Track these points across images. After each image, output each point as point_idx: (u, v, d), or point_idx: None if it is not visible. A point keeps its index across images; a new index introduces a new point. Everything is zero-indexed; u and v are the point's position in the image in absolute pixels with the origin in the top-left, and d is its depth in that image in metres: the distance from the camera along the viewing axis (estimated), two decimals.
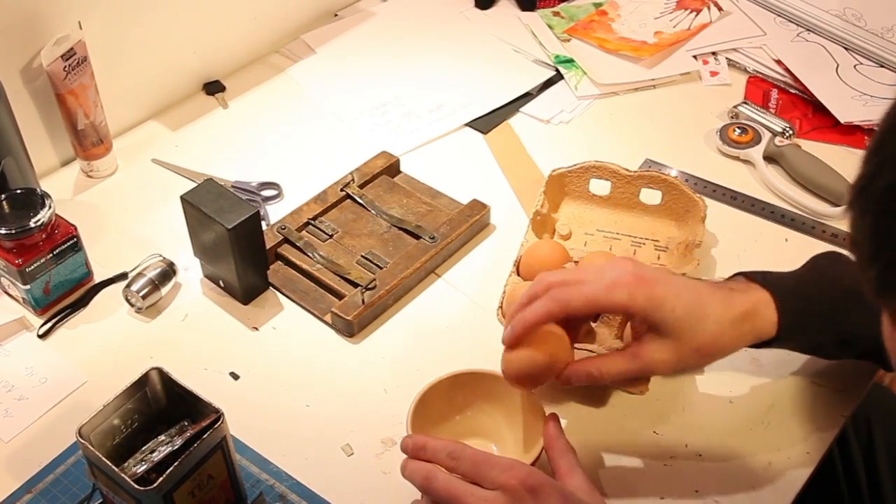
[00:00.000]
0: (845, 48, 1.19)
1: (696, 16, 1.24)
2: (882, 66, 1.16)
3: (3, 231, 0.81)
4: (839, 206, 0.97)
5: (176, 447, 0.65)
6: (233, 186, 1.00)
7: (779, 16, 1.25)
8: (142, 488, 0.61)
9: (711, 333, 0.65)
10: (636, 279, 0.65)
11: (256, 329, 0.86)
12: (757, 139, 1.03)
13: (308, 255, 0.90)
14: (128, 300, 0.87)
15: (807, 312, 0.66)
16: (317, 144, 1.07)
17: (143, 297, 0.85)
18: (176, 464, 0.62)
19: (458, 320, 0.86)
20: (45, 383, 0.80)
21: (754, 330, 0.66)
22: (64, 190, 0.99)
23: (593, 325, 0.81)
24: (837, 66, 1.16)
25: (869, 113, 1.08)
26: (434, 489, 0.62)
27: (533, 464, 0.67)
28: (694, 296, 0.64)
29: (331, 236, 0.92)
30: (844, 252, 0.71)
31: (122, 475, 0.61)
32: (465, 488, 0.61)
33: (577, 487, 0.63)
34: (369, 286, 0.85)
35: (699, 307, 0.64)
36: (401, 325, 0.86)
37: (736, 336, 0.66)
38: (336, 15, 1.28)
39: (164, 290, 0.87)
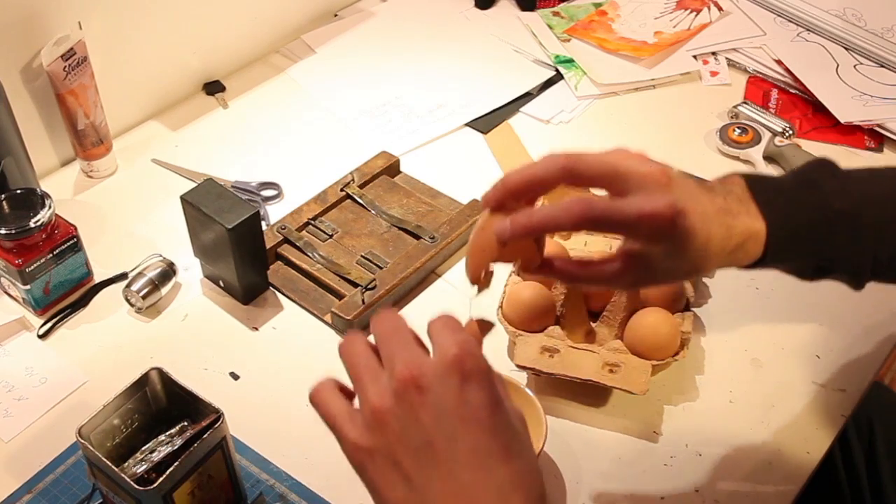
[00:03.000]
0: (845, 48, 1.19)
1: (696, 16, 1.24)
2: (882, 66, 1.16)
3: (3, 231, 0.81)
4: None
5: (176, 447, 0.65)
6: (233, 186, 1.00)
7: (779, 16, 1.25)
8: (142, 488, 0.61)
9: (703, 265, 0.62)
10: (671, 212, 0.58)
11: (256, 329, 0.86)
12: (757, 139, 1.03)
13: (308, 255, 0.90)
14: (128, 300, 0.87)
15: (794, 241, 0.64)
16: (317, 144, 1.07)
17: (143, 297, 0.85)
18: (176, 464, 0.62)
19: None
20: (45, 383, 0.80)
21: (739, 258, 0.63)
22: (64, 190, 0.99)
23: (593, 325, 0.81)
24: (837, 66, 1.16)
25: (869, 113, 1.08)
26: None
27: None
28: (706, 233, 0.60)
29: (331, 236, 0.92)
30: (836, 162, 0.68)
31: (122, 475, 0.61)
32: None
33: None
34: (369, 286, 0.85)
35: (706, 244, 0.60)
36: None
37: (720, 264, 0.64)
38: (336, 15, 1.28)
39: (164, 290, 0.87)
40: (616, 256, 0.62)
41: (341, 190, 0.96)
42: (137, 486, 0.61)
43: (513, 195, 0.61)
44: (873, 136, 1.07)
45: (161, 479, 0.61)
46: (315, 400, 0.53)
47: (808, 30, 1.22)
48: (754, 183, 0.64)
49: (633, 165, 0.61)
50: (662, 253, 0.61)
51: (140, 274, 0.86)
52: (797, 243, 0.64)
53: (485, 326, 0.60)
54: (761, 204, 0.63)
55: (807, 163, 0.67)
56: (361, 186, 0.97)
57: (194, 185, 0.87)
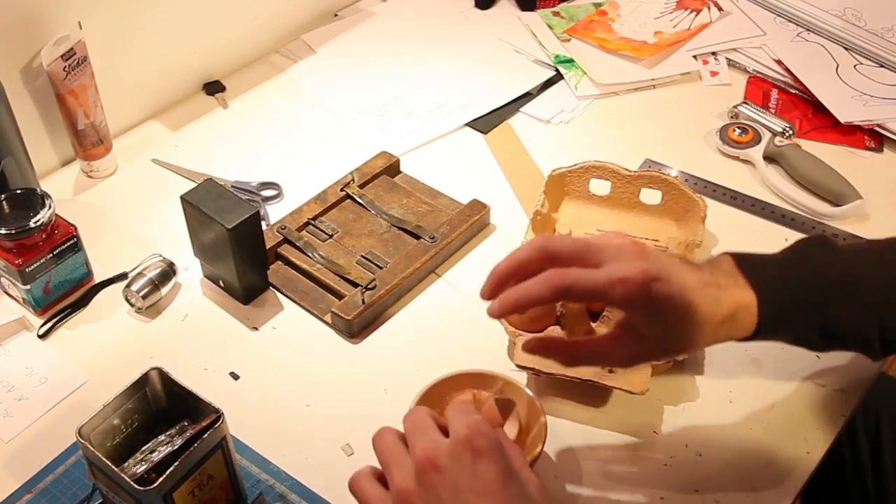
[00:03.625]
0: (845, 48, 1.19)
1: (696, 16, 1.24)
2: (882, 66, 1.16)
3: (3, 231, 0.81)
4: (839, 206, 0.97)
5: (176, 447, 0.65)
6: (233, 186, 1.00)
7: (779, 16, 1.25)
8: (142, 488, 0.61)
9: (693, 337, 0.64)
10: (644, 276, 0.60)
11: (256, 329, 0.86)
12: (757, 139, 1.03)
13: (308, 255, 0.90)
14: (128, 300, 0.87)
15: (789, 310, 0.65)
16: (317, 144, 1.07)
17: (143, 297, 0.85)
18: (176, 464, 0.62)
19: (458, 320, 0.86)
20: (45, 383, 0.80)
21: (733, 330, 0.65)
22: (64, 190, 1.00)
23: (593, 325, 0.81)
24: (837, 66, 1.16)
25: (869, 113, 1.08)
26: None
27: (532, 464, 0.67)
28: (687, 301, 0.62)
29: (331, 236, 0.92)
30: (830, 237, 0.70)
31: (122, 475, 0.61)
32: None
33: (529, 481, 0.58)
34: (369, 286, 0.85)
35: (690, 313, 0.62)
36: (401, 325, 0.86)
37: (715, 337, 0.65)
38: (336, 15, 1.28)
39: (164, 290, 0.87)
40: (609, 332, 0.65)
41: (341, 190, 0.96)
42: (137, 486, 0.61)
43: (503, 283, 0.63)
44: (873, 136, 1.07)
45: (161, 479, 0.61)
46: (353, 487, 0.58)
47: (808, 30, 1.22)
48: (742, 259, 0.66)
49: (605, 239, 0.64)
50: (647, 321, 0.62)
51: (140, 274, 0.86)
52: (792, 313, 0.65)
53: (504, 405, 0.65)
54: (750, 276, 0.65)
55: (798, 240, 0.69)
56: (361, 186, 0.97)
57: (194, 185, 0.87)
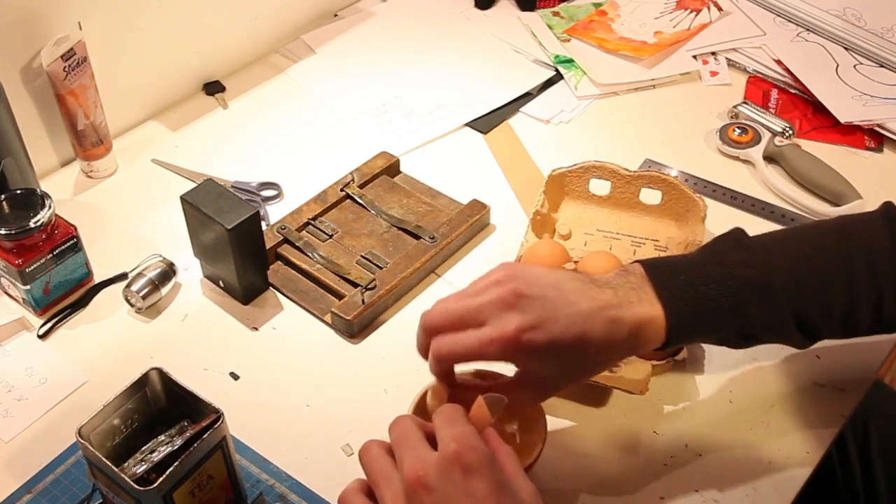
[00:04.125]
0: (845, 48, 1.19)
1: (696, 16, 1.24)
2: (882, 66, 1.16)
3: (3, 231, 0.81)
4: (839, 206, 0.97)
5: (176, 447, 0.65)
6: (233, 186, 1.00)
7: (779, 16, 1.25)
8: (142, 488, 0.61)
9: (594, 364, 0.64)
10: (515, 332, 0.60)
11: (256, 329, 0.86)
12: (757, 139, 1.03)
13: (308, 255, 0.90)
14: (128, 300, 0.87)
15: (700, 319, 0.64)
16: (317, 144, 1.07)
17: (143, 297, 0.85)
18: (176, 464, 0.62)
19: None
20: (45, 383, 0.80)
21: (639, 345, 0.64)
22: (64, 190, 1.00)
23: None
24: (837, 66, 1.16)
25: (869, 113, 1.08)
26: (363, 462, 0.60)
27: (532, 464, 0.67)
28: (577, 334, 0.61)
29: (331, 236, 0.92)
30: (745, 233, 0.68)
31: (122, 475, 0.61)
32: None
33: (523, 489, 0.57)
34: (369, 286, 0.85)
35: (583, 344, 0.61)
36: (401, 325, 0.86)
37: (620, 355, 0.66)
38: (336, 15, 1.28)
39: (164, 291, 0.87)
40: (512, 379, 0.66)
41: (341, 190, 0.96)
42: (137, 486, 0.61)
43: (436, 362, 0.63)
44: (873, 136, 1.07)
45: (161, 479, 0.61)
46: (342, 503, 0.58)
47: (807, 30, 1.22)
48: (652, 268, 0.66)
49: (476, 300, 0.62)
50: (538, 366, 0.62)
51: (140, 274, 0.86)
52: (703, 321, 0.65)
53: (493, 403, 0.63)
54: (658, 286, 0.64)
55: (714, 237, 0.69)
56: (361, 186, 0.97)
57: (194, 185, 0.87)
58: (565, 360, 0.62)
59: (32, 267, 0.83)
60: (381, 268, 0.88)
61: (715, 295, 0.64)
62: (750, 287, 0.65)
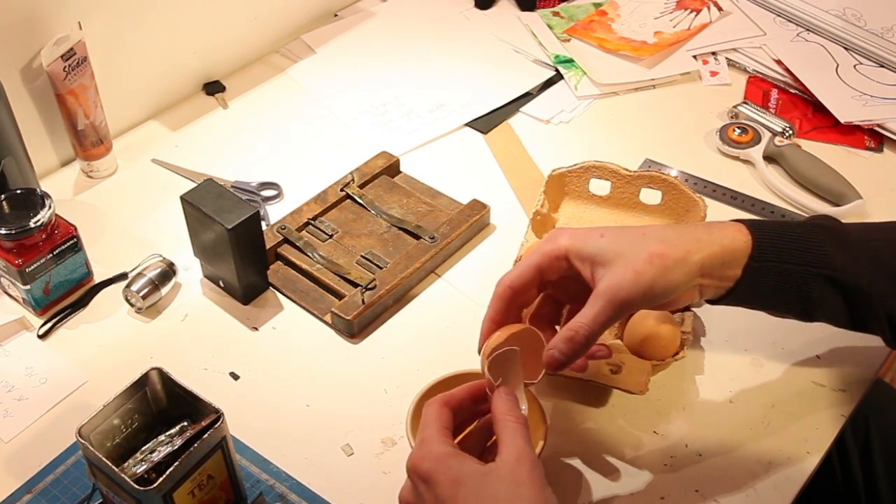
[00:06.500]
0: (845, 48, 1.19)
1: (696, 16, 1.24)
2: (882, 66, 1.16)
3: (3, 231, 0.81)
4: (839, 206, 0.97)
5: (176, 447, 0.65)
6: (233, 186, 1.00)
7: (779, 16, 1.25)
8: (142, 488, 0.61)
9: (659, 240, 0.63)
10: (558, 231, 0.65)
11: (256, 329, 0.86)
12: (757, 139, 1.03)
13: (308, 255, 0.90)
14: (128, 300, 0.87)
15: (782, 239, 0.65)
16: (317, 144, 1.07)
17: (143, 297, 0.85)
18: (176, 464, 0.62)
19: (458, 320, 0.86)
20: (45, 383, 0.80)
21: (718, 239, 0.63)
22: (64, 190, 1.00)
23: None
24: (837, 66, 1.16)
25: (869, 113, 1.08)
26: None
27: None
28: (621, 229, 0.64)
29: (331, 236, 0.92)
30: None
31: (122, 475, 0.61)
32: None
33: (501, 462, 0.57)
34: (369, 286, 0.85)
35: (632, 230, 0.64)
36: (401, 325, 0.86)
37: (692, 241, 0.63)
38: (336, 15, 1.28)
39: (164, 290, 0.87)
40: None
41: (341, 190, 0.96)
42: (137, 486, 0.61)
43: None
44: (873, 136, 1.07)
45: (161, 479, 0.61)
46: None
47: (807, 30, 1.22)
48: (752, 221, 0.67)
49: (541, 256, 0.66)
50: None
51: (140, 274, 0.86)
52: (785, 241, 0.65)
53: (505, 359, 0.64)
54: (749, 224, 0.66)
55: (810, 225, 0.69)
56: (361, 186, 0.97)
57: (194, 185, 0.87)
58: (617, 247, 0.63)
59: (32, 267, 0.83)
60: (381, 268, 0.88)
61: (801, 233, 0.66)
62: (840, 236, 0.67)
